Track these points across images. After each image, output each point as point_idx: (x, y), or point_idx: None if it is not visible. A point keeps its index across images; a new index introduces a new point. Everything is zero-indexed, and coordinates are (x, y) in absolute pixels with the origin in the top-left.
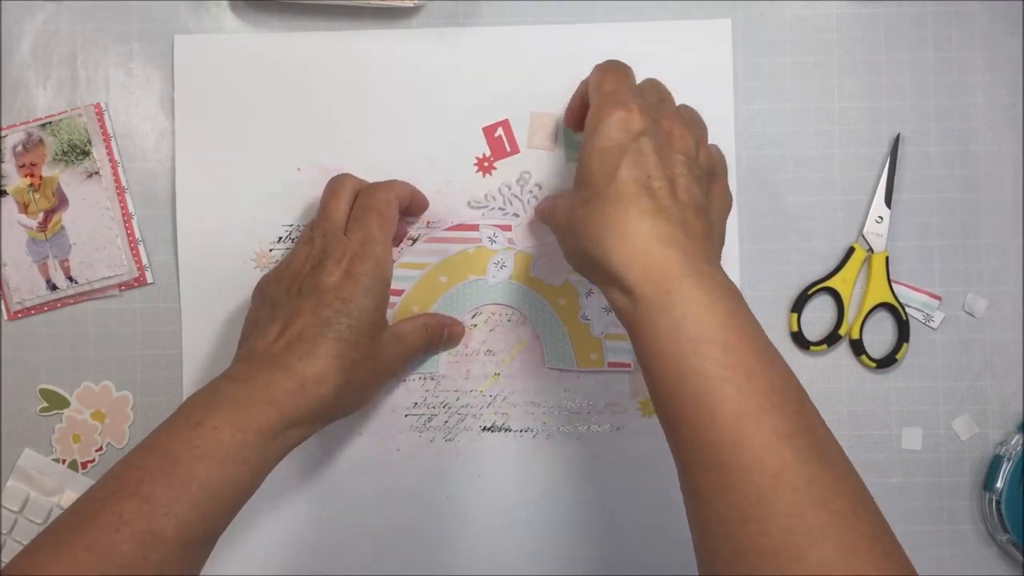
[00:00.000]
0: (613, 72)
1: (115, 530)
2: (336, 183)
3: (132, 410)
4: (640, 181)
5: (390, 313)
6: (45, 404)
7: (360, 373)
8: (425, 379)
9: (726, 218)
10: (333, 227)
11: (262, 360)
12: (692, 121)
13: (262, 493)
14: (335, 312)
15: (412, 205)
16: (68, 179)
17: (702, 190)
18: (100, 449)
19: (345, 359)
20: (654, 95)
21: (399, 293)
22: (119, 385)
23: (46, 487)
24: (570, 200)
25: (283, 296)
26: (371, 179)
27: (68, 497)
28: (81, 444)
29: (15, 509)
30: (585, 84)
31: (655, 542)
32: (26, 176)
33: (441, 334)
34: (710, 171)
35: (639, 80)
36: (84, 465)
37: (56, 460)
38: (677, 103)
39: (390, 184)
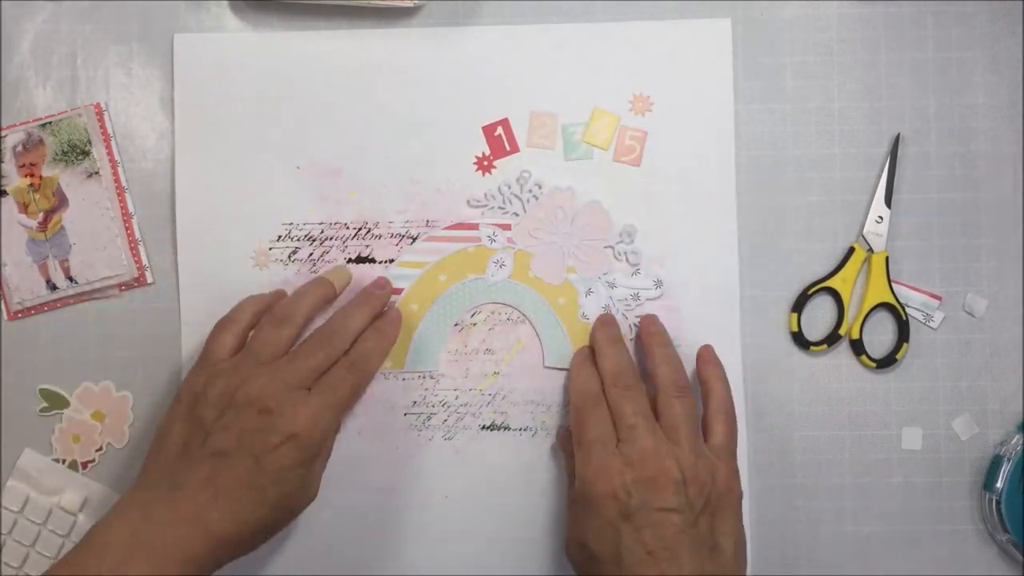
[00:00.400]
0: (593, 413)
1: None
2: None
3: (132, 410)
4: (639, 556)
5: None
6: (45, 404)
7: (275, 525)
8: (424, 378)
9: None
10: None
11: (184, 507)
12: (677, 430)
13: None
14: (271, 482)
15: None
16: (68, 179)
17: (702, 537)
18: (100, 449)
19: (266, 522)
20: (628, 409)
21: (398, 292)
22: (119, 385)
23: (46, 487)
24: (578, 550)
25: (212, 424)
26: (371, 177)
27: (68, 498)
28: (81, 444)
29: (15, 509)
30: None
31: None
32: (26, 176)
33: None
34: (709, 503)
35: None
36: (84, 465)
37: (56, 460)
38: (673, 106)
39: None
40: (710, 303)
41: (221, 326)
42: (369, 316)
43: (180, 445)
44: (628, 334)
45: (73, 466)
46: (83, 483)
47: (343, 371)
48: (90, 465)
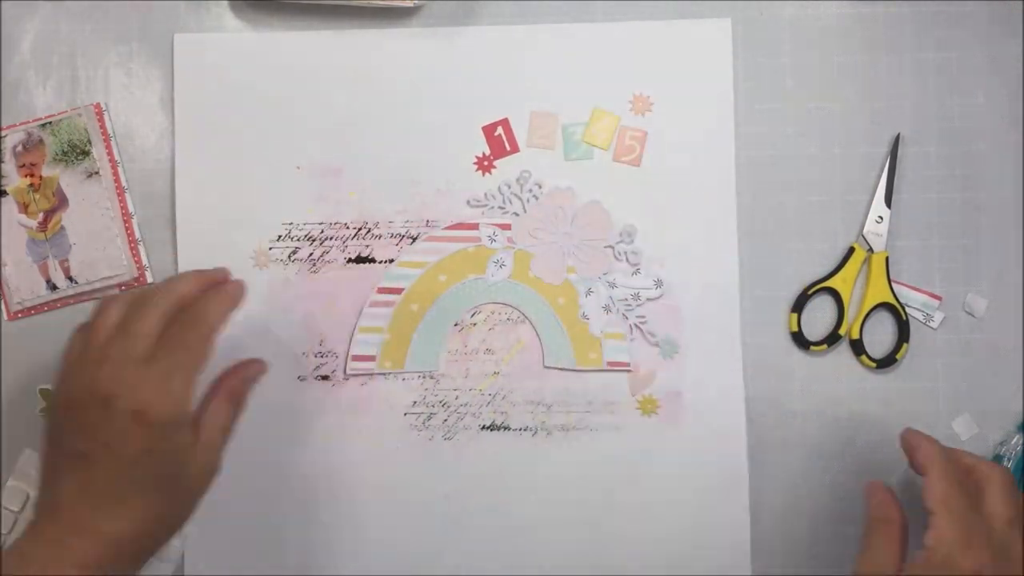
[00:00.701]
0: (957, 496)
1: None
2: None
3: None
4: None
5: (388, 312)
6: (45, 404)
7: (178, 508)
8: (424, 378)
9: None
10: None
11: (69, 522)
12: None
13: (262, 492)
14: (141, 469)
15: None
16: (68, 179)
17: None
18: None
19: (163, 509)
20: (1002, 521)
21: (399, 292)
22: None
23: None
24: None
25: (64, 428)
26: (371, 178)
27: None
28: None
29: (15, 509)
30: (926, 447)
31: (653, 541)
32: (26, 176)
33: (246, 391)
34: None
35: None
36: None
37: None
38: (673, 106)
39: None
40: (710, 303)
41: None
42: (197, 282)
43: (48, 456)
44: (628, 334)
45: None
46: None
47: (178, 329)
48: None
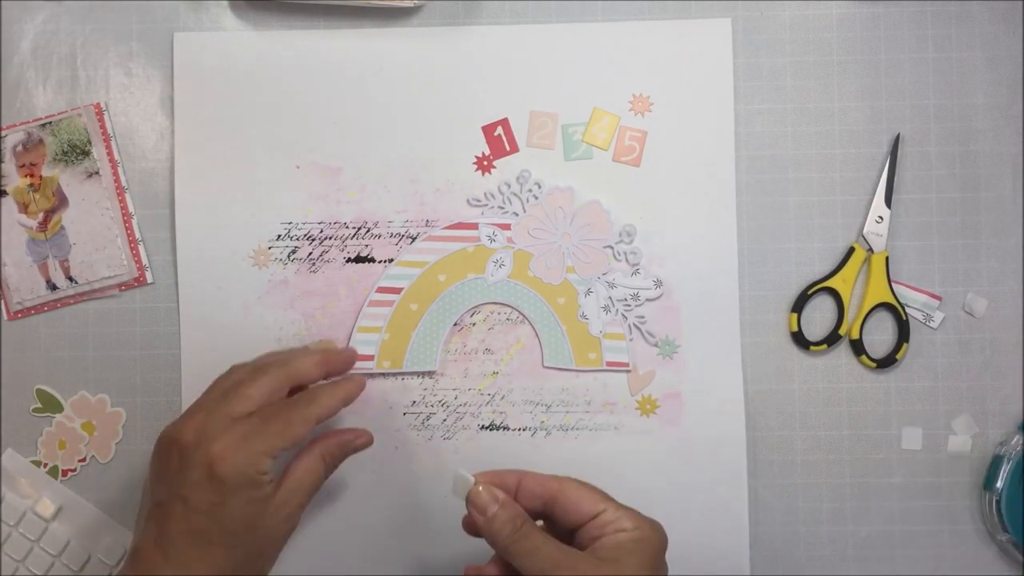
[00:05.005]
0: None
1: None
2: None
3: (123, 427)
4: None
5: (388, 312)
6: (39, 405)
7: (253, 560)
8: (423, 377)
9: None
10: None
11: (145, 569)
12: None
13: None
14: (209, 522)
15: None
16: (68, 179)
17: None
18: (83, 460)
19: (234, 561)
20: None
21: (398, 291)
22: (115, 401)
23: (23, 490)
24: None
25: (162, 476)
26: (371, 178)
27: (43, 504)
28: (66, 451)
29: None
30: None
31: None
32: (26, 176)
33: (342, 456)
34: None
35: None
36: (65, 473)
37: (38, 463)
38: (673, 106)
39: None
40: (710, 303)
41: None
42: (321, 365)
43: (141, 502)
44: (628, 334)
45: (54, 472)
46: (60, 491)
47: (281, 405)
48: (70, 474)
